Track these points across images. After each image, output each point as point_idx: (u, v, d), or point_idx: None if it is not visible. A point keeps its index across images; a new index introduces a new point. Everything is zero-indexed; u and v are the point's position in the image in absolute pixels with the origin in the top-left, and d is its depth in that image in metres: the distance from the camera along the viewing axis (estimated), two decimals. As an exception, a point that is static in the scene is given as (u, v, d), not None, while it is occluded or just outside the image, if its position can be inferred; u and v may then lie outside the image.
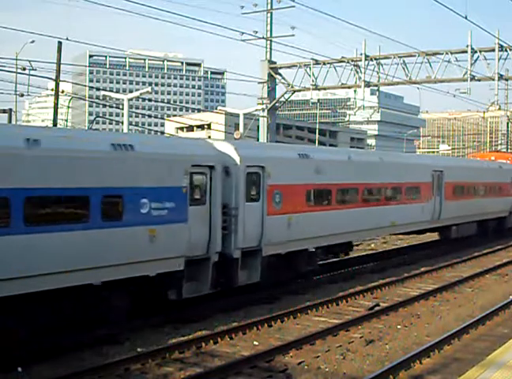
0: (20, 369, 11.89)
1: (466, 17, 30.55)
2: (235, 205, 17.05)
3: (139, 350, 13.47)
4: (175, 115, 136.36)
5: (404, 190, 26.00)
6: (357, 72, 35.75)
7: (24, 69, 32.66)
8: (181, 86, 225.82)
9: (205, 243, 16.14)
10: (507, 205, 37.39)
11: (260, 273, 17.87)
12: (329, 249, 21.89)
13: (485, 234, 34.55)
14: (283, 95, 38.53)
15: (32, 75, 33.04)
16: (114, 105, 74.80)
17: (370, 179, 23.55)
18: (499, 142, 75.26)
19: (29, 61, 31.20)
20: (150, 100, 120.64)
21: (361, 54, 35.24)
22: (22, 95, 42.43)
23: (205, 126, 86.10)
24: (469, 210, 31.61)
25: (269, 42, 36.96)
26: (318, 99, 47.37)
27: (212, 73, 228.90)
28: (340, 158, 22.75)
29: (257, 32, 35.68)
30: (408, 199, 26.31)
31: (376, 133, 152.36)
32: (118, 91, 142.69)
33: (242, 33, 34.74)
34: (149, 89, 32.60)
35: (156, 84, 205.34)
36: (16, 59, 38.85)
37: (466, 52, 33.11)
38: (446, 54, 33.86)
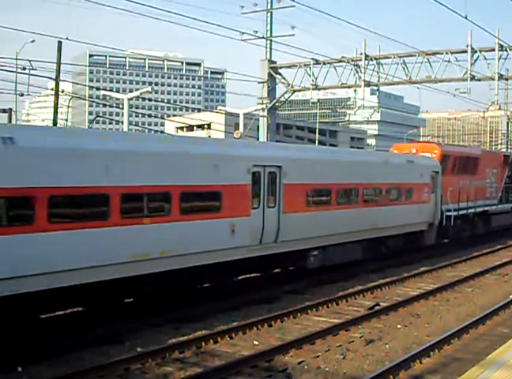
0: (20, 369, 11.88)
1: (466, 17, 30.60)
2: None
3: (139, 350, 13.45)
4: (175, 115, 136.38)
5: (178, 198, 15.35)
6: (357, 71, 35.78)
7: (24, 68, 32.73)
8: (181, 86, 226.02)
9: None
10: (425, 215, 27.22)
11: None
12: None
13: (384, 257, 25.44)
14: (283, 95, 38.61)
15: (32, 75, 33.08)
16: (114, 105, 74.86)
17: (87, 180, 13.39)
18: (499, 142, 75.25)
19: (29, 60, 31.30)
20: (150, 100, 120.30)
21: (361, 54, 35.29)
22: (22, 95, 42.49)
23: (205, 126, 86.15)
24: (344, 225, 21.87)
25: (269, 41, 37.04)
26: (318, 99, 47.20)
27: (212, 72, 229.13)
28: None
29: (257, 32, 35.85)
30: (193, 213, 15.96)
31: (376, 132, 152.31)
32: (118, 91, 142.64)
33: (243, 33, 34.97)
34: (149, 89, 32.69)
35: (156, 84, 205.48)
36: (17, 59, 38.97)
37: (466, 52, 33.14)
38: (446, 53, 33.89)
